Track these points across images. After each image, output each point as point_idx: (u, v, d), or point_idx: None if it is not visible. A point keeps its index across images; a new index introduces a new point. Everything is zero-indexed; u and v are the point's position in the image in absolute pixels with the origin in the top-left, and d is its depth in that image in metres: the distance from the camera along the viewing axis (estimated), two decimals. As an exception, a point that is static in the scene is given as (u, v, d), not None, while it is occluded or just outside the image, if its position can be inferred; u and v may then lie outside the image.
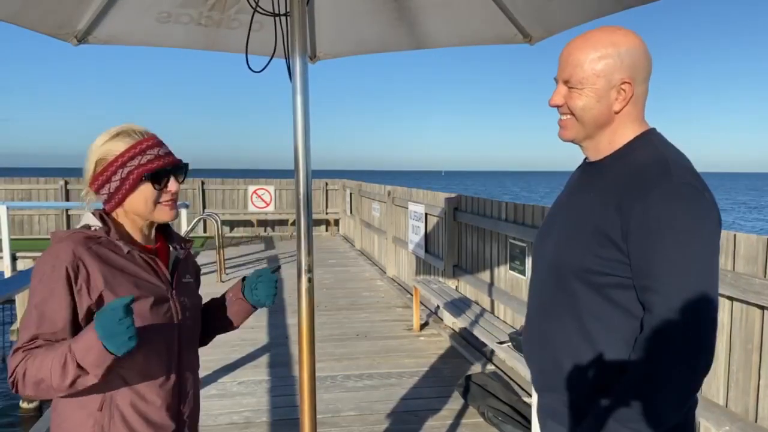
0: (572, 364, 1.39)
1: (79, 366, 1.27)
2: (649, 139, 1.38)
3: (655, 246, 1.24)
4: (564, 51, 1.41)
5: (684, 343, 1.22)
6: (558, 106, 1.44)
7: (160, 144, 1.51)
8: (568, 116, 1.42)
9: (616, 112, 1.37)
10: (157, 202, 1.50)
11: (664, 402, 1.22)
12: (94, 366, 1.27)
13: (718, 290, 1.28)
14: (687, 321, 1.21)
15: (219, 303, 1.78)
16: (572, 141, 1.46)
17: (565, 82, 1.40)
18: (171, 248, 1.62)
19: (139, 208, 1.49)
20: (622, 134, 1.40)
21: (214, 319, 1.77)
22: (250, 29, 2.19)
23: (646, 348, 1.26)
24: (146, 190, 1.48)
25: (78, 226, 1.49)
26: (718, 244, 1.28)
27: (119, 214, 1.52)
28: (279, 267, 1.83)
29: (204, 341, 1.81)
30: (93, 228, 1.47)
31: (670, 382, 1.22)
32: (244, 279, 1.76)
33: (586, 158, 1.50)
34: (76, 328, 1.37)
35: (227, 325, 1.78)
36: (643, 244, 1.25)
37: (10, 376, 1.34)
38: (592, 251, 1.33)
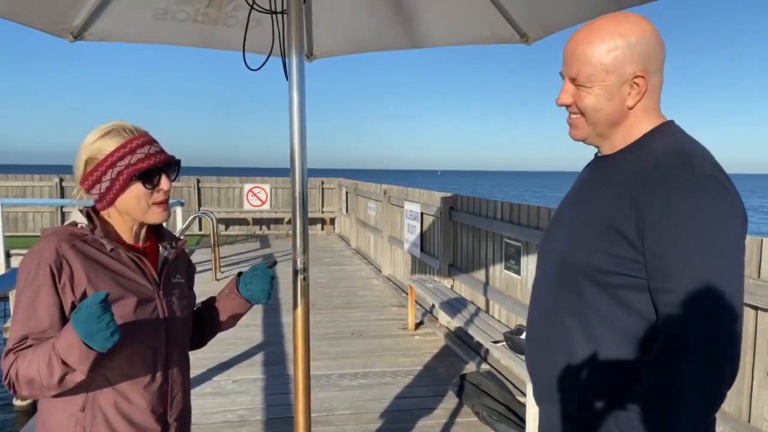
0: (577, 372, 1.28)
1: (64, 363, 1.26)
2: (668, 130, 1.27)
3: (673, 243, 1.12)
4: (568, 45, 1.30)
5: (706, 352, 1.10)
6: (566, 106, 1.33)
7: (150, 142, 1.48)
8: (578, 116, 1.32)
9: (630, 108, 1.27)
10: (149, 202, 1.48)
11: (683, 418, 1.12)
12: (79, 363, 1.26)
13: (743, 295, 1.16)
14: (711, 328, 1.10)
15: (215, 301, 1.76)
16: (583, 141, 1.36)
17: (572, 80, 1.29)
18: (160, 247, 1.60)
19: (130, 208, 1.47)
20: (638, 128, 1.29)
21: (211, 317, 1.75)
22: (247, 27, 2.18)
23: (663, 357, 1.14)
24: (137, 189, 1.46)
25: (65, 223, 1.48)
26: (744, 243, 1.16)
27: (110, 213, 1.50)
28: (275, 262, 1.80)
29: (203, 341, 1.80)
30: (79, 225, 1.46)
31: (693, 395, 1.11)
32: (240, 274, 1.74)
33: (597, 152, 1.40)
34: (64, 325, 1.35)
35: (223, 323, 1.75)
36: (661, 241, 1.14)
37: (5, 378, 1.33)
38: (603, 248, 1.22)
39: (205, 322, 1.76)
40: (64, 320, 1.36)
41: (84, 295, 1.38)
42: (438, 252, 6.63)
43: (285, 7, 1.97)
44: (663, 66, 1.28)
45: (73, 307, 1.37)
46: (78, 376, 1.29)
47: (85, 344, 1.22)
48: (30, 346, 1.33)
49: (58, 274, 1.36)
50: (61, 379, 1.28)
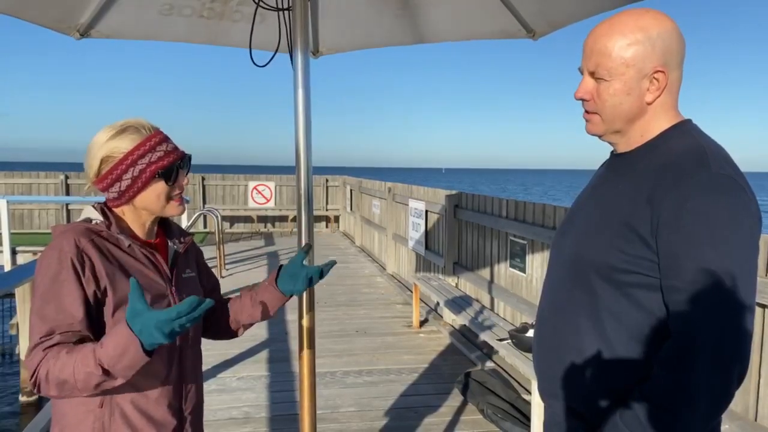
0: (586, 369, 1.28)
1: (105, 372, 1.27)
2: (686, 129, 1.27)
3: (687, 243, 1.12)
4: (588, 38, 1.29)
5: (717, 352, 1.10)
6: (584, 101, 1.32)
7: (166, 139, 1.51)
8: (594, 111, 1.31)
9: (649, 103, 1.26)
10: (168, 197, 1.51)
11: (692, 417, 1.12)
12: (126, 369, 1.27)
13: (755, 295, 1.16)
14: (722, 328, 1.10)
15: (254, 291, 1.78)
16: (600, 136, 1.35)
17: (591, 74, 1.28)
18: (170, 243, 1.61)
19: (150, 204, 1.49)
20: (655, 125, 1.28)
21: (247, 307, 1.77)
22: (253, 24, 2.18)
23: (673, 355, 1.14)
24: (159, 187, 1.48)
25: (79, 220, 1.48)
26: (758, 243, 1.16)
27: (125, 210, 1.51)
28: (310, 246, 1.84)
29: (237, 332, 1.83)
30: (94, 221, 1.46)
31: (702, 395, 1.11)
32: (281, 267, 1.76)
33: (613, 150, 1.39)
34: (89, 318, 1.37)
35: (260, 314, 1.78)
36: (674, 240, 1.13)
37: (32, 376, 1.32)
38: (617, 246, 1.21)
39: (242, 312, 1.78)
40: (89, 313, 1.36)
41: (105, 290, 1.38)
42: (443, 250, 6.62)
43: (290, 4, 1.97)
44: (683, 63, 1.27)
45: (96, 299, 1.37)
46: (118, 383, 1.30)
47: (143, 350, 1.24)
48: (58, 343, 1.32)
49: (81, 268, 1.36)
50: (98, 385, 1.29)
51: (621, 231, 1.22)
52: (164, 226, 1.64)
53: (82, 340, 1.36)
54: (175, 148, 1.51)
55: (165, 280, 1.52)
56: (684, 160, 1.19)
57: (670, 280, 1.16)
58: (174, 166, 1.49)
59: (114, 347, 1.25)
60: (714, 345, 1.11)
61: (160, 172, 1.46)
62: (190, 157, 1.57)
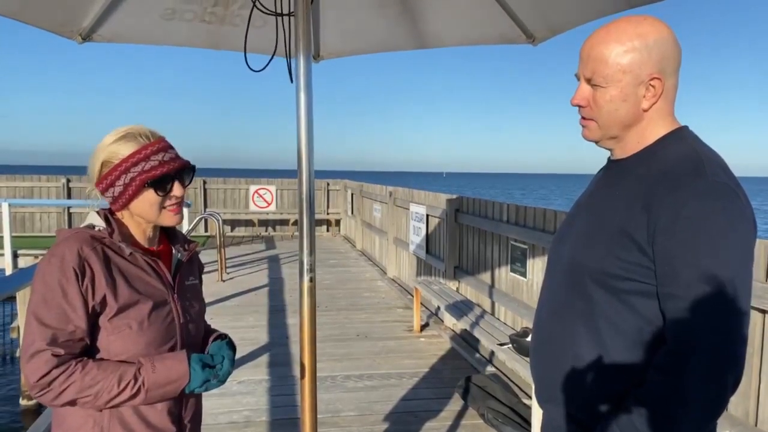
0: (582, 375, 1.29)
1: (138, 392, 1.38)
2: (682, 135, 1.28)
3: (683, 249, 1.13)
4: (585, 45, 1.29)
5: (713, 358, 1.11)
6: (581, 107, 1.33)
7: (166, 148, 1.49)
8: (591, 118, 1.32)
9: (645, 110, 1.26)
10: (162, 207, 1.50)
11: (688, 422, 1.12)
12: (158, 396, 1.43)
13: (750, 301, 1.16)
14: (718, 334, 1.11)
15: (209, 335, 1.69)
16: (596, 142, 1.35)
17: (588, 80, 1.29)
18: (174, 250, 1.62)
19: (144, 212, 1.49)
20: (652, 131, 1.28)
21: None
22: (248, 28, 2.19)
23: (669, 361, 1.14)
24: (150, 196, 1.47)
25: (82, 225, 1.49)
26: (753, 249, 1.16)
27: (124, 215, 1.52)
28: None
29: None
30: (97, 228, 1.47)
31: (697, 400, 1.11)
32: (222, 338, 1.66)
33: (610, 156, 1.39)
34: (88, 327, 1.38)
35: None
36: (671, 246, 1.14)
37: (38, 380, 1.31)
38: (614, 253, 1.22)
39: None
40: (88, 322, 1.37)
41: (104, 299, 1.39)
42: (443, 254, 6.62)
43: (292, 9, 1.97)
44: (679, 70, 1.28)
45: (93, 308, 1.38)
46: (136, 403, 1.42)
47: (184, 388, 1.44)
48: (72, 355, 1.35)
49: (81, 277, 1.37)
50: (120, 403, 1.39)
51: (617, 238, 1.22)
52: (168, 232, 1.65)
53: (84, 349, 1.38)
54: (173, 158, 1.49)
55: (167, 287, 1.52)
56: (680, 167, 1.19)
57: (667, 286, 1.16)
58: (167, 177, 1.47)
59: (166, 377, 1.39)
60: (710, 351, 1.11)
61: (150, 181, 1.45)
62: (193, 168, 1.55)
